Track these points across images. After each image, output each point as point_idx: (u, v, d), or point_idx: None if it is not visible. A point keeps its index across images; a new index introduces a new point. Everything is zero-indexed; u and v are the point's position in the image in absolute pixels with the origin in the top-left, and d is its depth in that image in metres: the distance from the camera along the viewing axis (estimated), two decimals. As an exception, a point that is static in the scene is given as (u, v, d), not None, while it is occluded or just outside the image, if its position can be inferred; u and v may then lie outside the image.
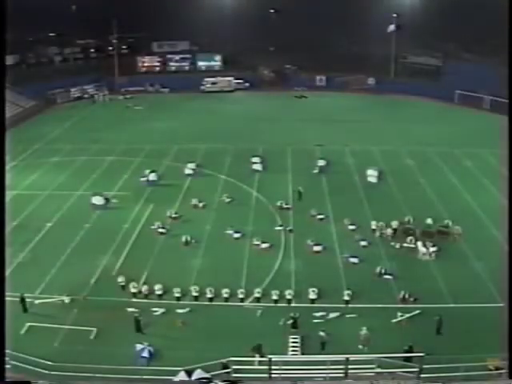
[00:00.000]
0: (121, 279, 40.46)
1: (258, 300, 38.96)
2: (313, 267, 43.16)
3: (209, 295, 38.91)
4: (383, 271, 42.01)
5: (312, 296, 38.61)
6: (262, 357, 31.78)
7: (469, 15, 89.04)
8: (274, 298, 38.67)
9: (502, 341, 31.36)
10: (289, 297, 38.64)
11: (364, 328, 34.65)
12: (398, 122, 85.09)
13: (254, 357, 32.03)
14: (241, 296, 39.02)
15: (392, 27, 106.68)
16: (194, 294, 39.07)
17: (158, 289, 39.37)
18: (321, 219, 50.96)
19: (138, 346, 33.33)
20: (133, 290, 39.47)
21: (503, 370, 30.28)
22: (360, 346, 33.96)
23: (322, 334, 34.70)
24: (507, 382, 25.66)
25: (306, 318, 36.58)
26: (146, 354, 33.03)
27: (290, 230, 49.13)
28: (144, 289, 39.58)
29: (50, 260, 44.17)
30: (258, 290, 39.24)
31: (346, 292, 38.67)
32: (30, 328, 35.94)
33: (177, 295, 38.97)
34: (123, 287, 40.09)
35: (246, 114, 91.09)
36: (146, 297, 39.26)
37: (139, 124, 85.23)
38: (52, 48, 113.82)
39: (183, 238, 46.92)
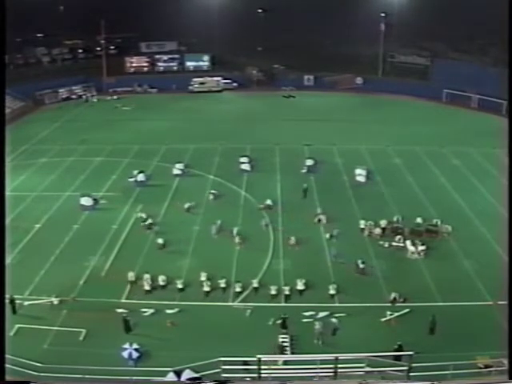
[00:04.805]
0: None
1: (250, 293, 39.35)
2: (301, 266, 43.15)
3: (206, 288, 39.53)
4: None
5: (300, 289, 39.20)
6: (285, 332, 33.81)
7: (457, 14, 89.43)
8: (264, 296, 38.84)
9: (492, 339, 31.70)
10: (280, 295, 39.00)
11: (317, 323, 34.94)
12: (386, 121, 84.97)
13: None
14: (231, 292, 39.40)
15: (380, 26, 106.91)
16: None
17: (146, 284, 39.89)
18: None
19: (123, 347, 33.29)
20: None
21: (492, 368, 30.51)
22: (315, 341, 34.22)
23: (333, 320, 35.18)
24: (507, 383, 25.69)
25: (295, 316, 36.60)
26: (126, 354, 32.92)
27: (279, 229, 49.19)
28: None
29: (39, 261, 43.97)
30: (250, 286, 39.68)
31: (333, 288, 39.00)
32: (19, 330, 35.74)
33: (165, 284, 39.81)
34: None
35: (234, 114, 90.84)
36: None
37: (127, 124, 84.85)
38: (40, 49, 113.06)
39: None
